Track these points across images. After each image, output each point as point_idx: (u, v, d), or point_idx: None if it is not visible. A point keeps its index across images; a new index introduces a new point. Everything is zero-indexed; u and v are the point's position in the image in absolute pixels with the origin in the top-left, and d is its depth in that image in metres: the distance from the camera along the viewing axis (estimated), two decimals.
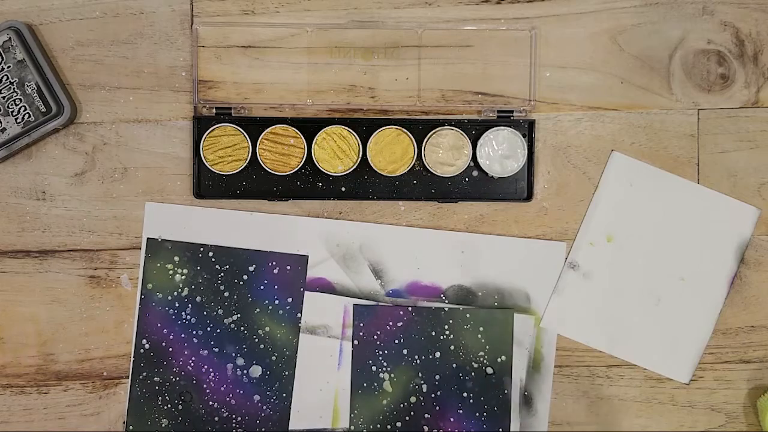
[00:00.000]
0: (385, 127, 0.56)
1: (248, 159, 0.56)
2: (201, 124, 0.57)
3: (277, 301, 0.58)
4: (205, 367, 0.58)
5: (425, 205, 0.58)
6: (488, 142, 0.57)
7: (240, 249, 0.58)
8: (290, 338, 0.58)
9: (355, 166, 0.57)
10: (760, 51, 0.58)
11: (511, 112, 0.57)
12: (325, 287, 0.58)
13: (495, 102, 0.57)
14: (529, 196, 0.57)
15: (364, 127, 0.57)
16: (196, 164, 0.57)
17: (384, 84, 0.57)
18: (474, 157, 0.57)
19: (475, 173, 0.58)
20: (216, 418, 0.57)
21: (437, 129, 0.57)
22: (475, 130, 0.57)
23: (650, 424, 0.58)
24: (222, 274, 0.58)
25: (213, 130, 0.56)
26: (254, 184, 0.57)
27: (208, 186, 0.57)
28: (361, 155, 0.56)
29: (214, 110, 0.57)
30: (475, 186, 0.58)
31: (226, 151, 0.56)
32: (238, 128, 0.56)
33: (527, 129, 0.57)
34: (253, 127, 0.56)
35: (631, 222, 0.58)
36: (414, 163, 0.57)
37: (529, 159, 0.57)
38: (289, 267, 0.58)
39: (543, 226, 0.58)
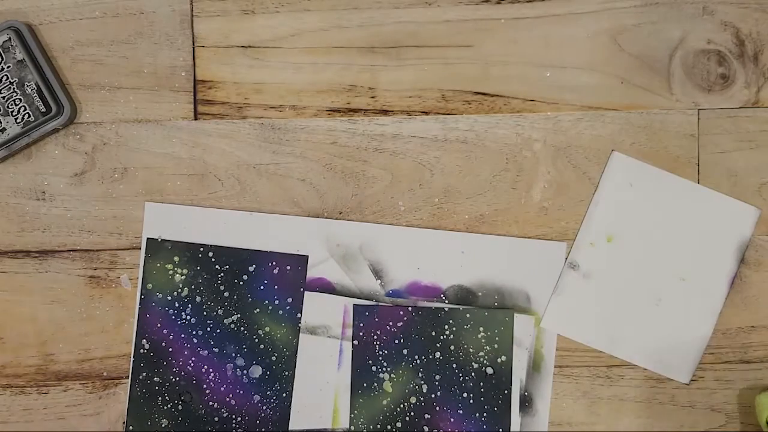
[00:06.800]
0: None
1: None
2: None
3: (277, 301, 0.58)
4: (205, 367, 0.58)
5: (425, 204, 0.58)
6: None
7: (240, 249, 0.58)
8: (290, 338, 0.58)
9: None
10: (760, 51, 0.58)
11: None
12: (325, 287, 0.58)
13: (495, 102, 0.57)
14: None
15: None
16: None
17: (384, 84, 0.57)
18: None
19: None
20: (216, 418, 0.57)
21: None
22: None
23: (650, 424, 0.58)
24: (222, 274, 0.57)
25: None
26: None
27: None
28: None
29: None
30: None
31: None
32: None
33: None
34: None
35: (631, 222, 0.58)
36: None
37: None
38: (289, 267, 0.58)
39: (543, 226, 0.58)
